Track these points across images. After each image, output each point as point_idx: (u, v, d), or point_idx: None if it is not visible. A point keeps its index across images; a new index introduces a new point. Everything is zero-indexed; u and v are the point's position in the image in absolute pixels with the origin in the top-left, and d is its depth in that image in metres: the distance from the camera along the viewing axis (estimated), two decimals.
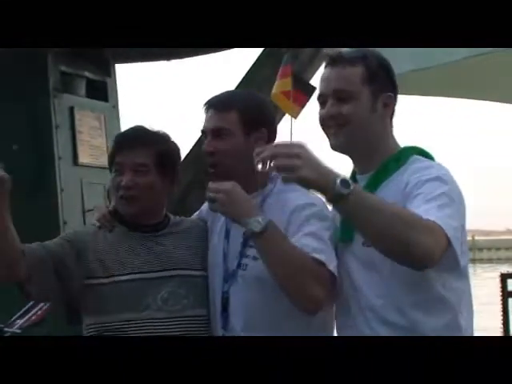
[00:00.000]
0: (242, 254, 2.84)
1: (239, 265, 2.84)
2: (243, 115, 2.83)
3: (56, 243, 3.04)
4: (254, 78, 7.64)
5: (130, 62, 8.72)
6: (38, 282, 2.92)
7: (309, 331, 2.77)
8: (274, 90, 5.83)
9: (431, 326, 2.50)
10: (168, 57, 8.62)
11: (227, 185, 2.68)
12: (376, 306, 2.56)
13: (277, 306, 2.76)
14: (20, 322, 6.12)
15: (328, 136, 2.66)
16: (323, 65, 2.72)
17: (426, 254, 2.32)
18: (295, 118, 5.87)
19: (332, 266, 2.67)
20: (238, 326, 2.83)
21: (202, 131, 2.91)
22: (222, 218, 2.96)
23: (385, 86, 2.64)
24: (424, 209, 2.38)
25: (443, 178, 2.49)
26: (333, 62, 2.65)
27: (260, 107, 2.93)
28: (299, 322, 2.75)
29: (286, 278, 2.65)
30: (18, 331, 6.17)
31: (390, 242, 2.31)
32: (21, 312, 6.01)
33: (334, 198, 2.32)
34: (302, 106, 5.78)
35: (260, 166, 2.37)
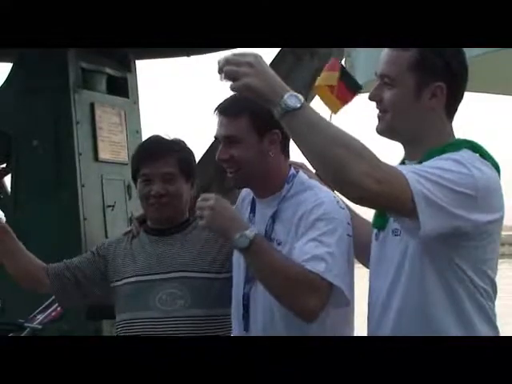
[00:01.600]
0: None
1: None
2: (254, 120, 2.79)
3: (82, 258, 3.36)
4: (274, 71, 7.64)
5: (151, 58, 8.73)
6: (61, 296, 3.37)
7: (327, 332, 2.76)
8: (318, 82, 5.74)
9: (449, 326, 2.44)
10: (188, 53, 8.65)
11: (211, 201, 2.68)
12: (397, 300, 2.48)
13: None
14: (40, 317, 6.14)
15: (377, 119, 2.58)
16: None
17: (358, 180, 2.18)
18: (335, 113, 5.79)
19: (331, 274, 2.64)
20: (258, 329, 2.82)
21: (215, 137, 2.90)
22: (246, 217, 2.95)
23: (438, 76, 2.48)
24: (405, 168, 2.31)
25: (461, 161, 2.35)
26: None
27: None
28: (318, 323, 2.72)
29: (277, 290, 2.64)
30: (39, 327, 6.20)
31: (325, 160, 2.21)
32: (41, 307, 6.03)
33: (281, 111, 2.23)
34: (345, 102, 5.68)
35: (221, 77, 2.27)
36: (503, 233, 2.69)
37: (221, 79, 2.28)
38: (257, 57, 2.29)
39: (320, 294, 2.64)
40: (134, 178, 3.23)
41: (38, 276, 3.27)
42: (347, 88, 5.41)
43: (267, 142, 2.81)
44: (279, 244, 2.78)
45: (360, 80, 4.25)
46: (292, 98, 2.24)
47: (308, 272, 2.63)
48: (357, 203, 2.31)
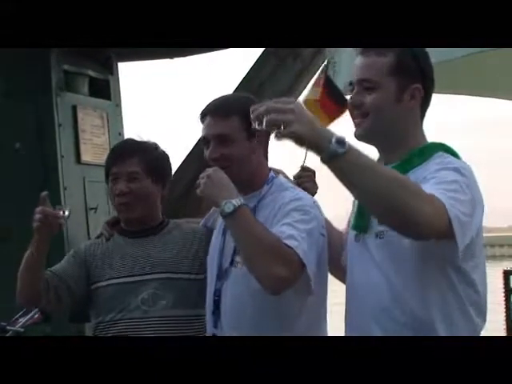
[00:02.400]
0: (236, 251, 2.83)
1: (232, 262, 2.85)
2: (244, 120, 2.80)
3: (65, 264, 3.36)
4: (255, 76, 7.63)
5: (133, 60, 8.72)
6: (57, 307, 3.39)
7: (294, 332, 2.79)
8: (305, 96, 5.75)
9: (439, 322, 2.46)
10: (171, 55, 8.65)
11: (209, 171, 2.75)
12: (384, 301, 2.52)
13: (264, 305, 2.77)
14: (23, 320, 6.10)
15: (354, 125, 2.61)
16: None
17: (425, 222, 2.22)
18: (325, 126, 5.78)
19: (301, 251, 2.70)
20: (228, 325, 2.84)
21: (204, 137, 2.91)
22: None
23: (414, 78, 2.56)
24: (431, 188, 2.33)
25: (461, 171, 2.42)
26: (363, 51, 2.60)
27: None
28: (286, 321, 2.76)
29: (253, 257, 2.68)
30: (21, 330, 6.17)
31: (387, 205, 2.22)
32: (23, 310, 6.01)
33: (329, 156, 2.22)
34: (333, 117, 5.65)
35: (256, 124, 2.29)
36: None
37: (256, 126, 2.28)
38: (297, 103, 2.31)
39: (292, 267, 2.69)
40: (107, 178, 3.30)
41: (40, 292, 3.24)
42: (332, 102, 5.40)
43: (255, 141, 2.87)
44: None
45: (342, 85, 4.25)
46: (339, 142, 2.23)
47: (284, 244, 2.69)
48: (417, 239, 2.33)
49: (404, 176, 2.33)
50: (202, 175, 2.77)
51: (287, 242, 2.70)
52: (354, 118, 2.60)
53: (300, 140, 2.25)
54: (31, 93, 7.40)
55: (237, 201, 2.68)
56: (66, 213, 3.15)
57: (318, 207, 2.87)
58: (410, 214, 2.20)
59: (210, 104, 2.90)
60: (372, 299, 2.52)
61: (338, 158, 2.20)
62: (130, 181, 3.16)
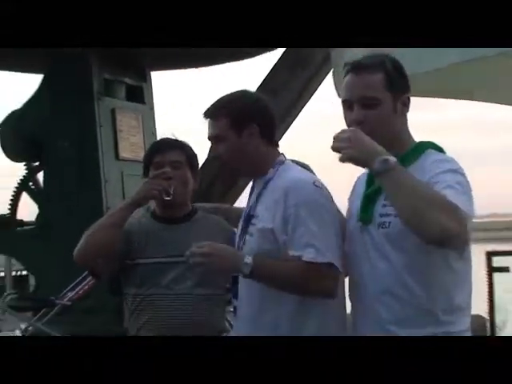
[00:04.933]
0: (245, 231, 2.75)
1: (241, 240, 2.76)
2: (231, 118, 2.74)
3: None
4: (270, 84, 7.62)
5: (164, 69, 8.74)
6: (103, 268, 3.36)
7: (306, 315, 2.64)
8: None
9: (433, 301, 2.43)
10: (197, 65, 8.70)
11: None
12: (387, 282, 2.47)
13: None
14: (70, 294, 6.15)
15: None
16: (345, 72, 2.60)
17: (444, 233, 2.28)
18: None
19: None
20: (242, 298, 2.75)
21: (208, 138, 2.88)
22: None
23: (402, 87, 2.55)
24: (443, 193, 2.34)
25: (459, 171, 2.43)
26: (355, 70, 2.54)
27: (246, 105, 2.80)
28: (291, 302, 2.63)
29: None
30: (68, 303, 6.21)
31: (414, 218, 2.31)
32: (70, 286, 6.05)
33: (375, 173, 2.35)
34: None
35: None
36: None
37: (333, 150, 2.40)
38: (355, 131, 2.38)
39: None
40: (147, 169, 3.25)
41: (101, 252, 3.15)
42: None
43: (246, 136, 2.75)
44: (255, 217, 2.71)
45: None
46: (382, 163, 2.32)
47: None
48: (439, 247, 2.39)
49: (434, 192, 2.34)
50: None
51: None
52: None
53: (354, 162, 2.38)
54: (76, 98, 7.45)
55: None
56: (171, 193, 3.17)
57: (316, 184, 2.68)
58: (432, 228, 2.28)
59: (207, 107, 2.85)
60: (376, 283, 2.49)
61: (380, 174, 2.33)
62: (174, 168, 3.18)
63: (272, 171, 2.74)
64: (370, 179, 2.54)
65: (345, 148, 2.36)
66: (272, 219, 2.63)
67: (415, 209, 2.29)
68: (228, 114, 2.75)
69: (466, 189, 2.39)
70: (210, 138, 2.81)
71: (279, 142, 2.85)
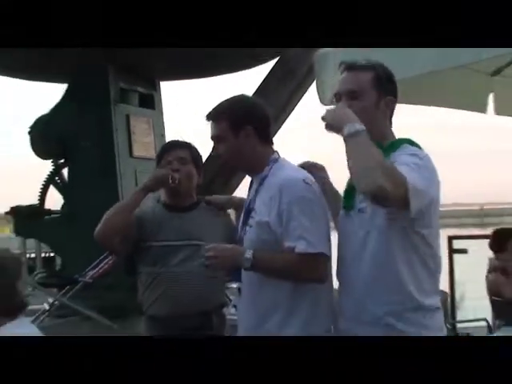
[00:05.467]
0: (245, 223, 2.72)
1: (243, 231, 2.73)
2: (230, 121, 2.70)
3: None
4: (262, 92, 7.57)
5: (172, 79, 8.73)
6: (121, 246, 3.25)
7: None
8: None
9: (404, 277, 2.41)
10: (202, 76, 8.68)
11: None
12: (367, 261, 2.45)
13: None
14: (91, 273, 6.14)
15: None
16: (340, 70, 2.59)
17: (379, 190, 2.25)
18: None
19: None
20: (244, 282, 2.69)
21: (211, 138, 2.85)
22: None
23: (388, 91, 2.53)
24: (398, 168, 2.31)
25: (420, 156, 2.39)
26: (349, 68, 2.54)
27: (244, 109, 2.74)
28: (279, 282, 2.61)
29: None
30: (90, 280, 6.21)
31: (361, 175, 2.31)
32: (91, 266, 6.05)
33: (344, 138, 2.35)
34: None
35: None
36: None
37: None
38: (339, 106, 2.45)
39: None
40: (159, 164, 3.31)
41: (119, 231, 3.17)
42: None
43: (242, 137, 2.70)
44: (254, 211, 2.67)
45: (328, 92, 4.14)
46: (351, 127, 2.33)
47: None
48: (384, 204, 2.34)
49: (387, 161, 2.33)
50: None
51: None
52: None
53: (331, 129, 2.41)
54: (95, 105, 7.43)
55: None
56: (177, 181, 3.20)
57: (306, 182, 2.64)
58: (373, 188, 2.26)
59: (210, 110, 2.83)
60: (355, 263, 2.48)
61: (347, 139, 2.33)
62: (181, 163, 3.24)
63: (267, 169, 2.70)
64: None
65: (327, 118, 2.41)
66: (268, 213, 2.60)
67: (364, 168, 2.27)
68: (227, 116, 2.71)
69: (421, 170, 2.34)
70: (212, 138, 2.78)
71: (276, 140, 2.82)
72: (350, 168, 2.35)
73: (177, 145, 3.34)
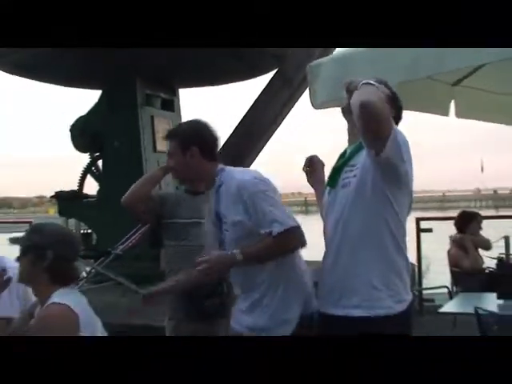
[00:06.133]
0: (221, 230, 2.62)
1: (222, 235, 2.61)
2: (180, 141, 2.68)
3: (154, 196, 3.29)
4: (263, 100, 7.53)
5: (189, 87, 8.73)
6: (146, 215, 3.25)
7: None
8: None
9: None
10: (214, 83, 8.66)
11: None
12: (352, 233, 2.31)
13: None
14: (121, 246, 6.15)
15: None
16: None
17: (374, 110, 2.08)
18: None
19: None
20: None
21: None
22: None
23: (394, 107, 2.33)
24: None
25: (402, 135, 2.21)
26: (366, 83, 2.26)
27: (193, 132, 2.68)
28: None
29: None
30: (120, 253, 6.22)
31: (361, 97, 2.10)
32: (122, 240, 6.05)
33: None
34: None
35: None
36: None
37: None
38: (352, 81, 2.27)
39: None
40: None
41: (145, 199, 3.18)
42: None
43: (188, 156, 2.66)
44: (223, 216, 2.57)
45: (319, 99, 4.08)
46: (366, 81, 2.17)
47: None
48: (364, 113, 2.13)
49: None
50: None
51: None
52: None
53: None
54: (125, 108, 7.43)
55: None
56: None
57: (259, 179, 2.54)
58: (373, 100, 2.09)
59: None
60: (336, 236, 2.36)
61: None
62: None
63: (217, 179, 2.60)
64: (341, 156, 2.43)
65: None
66: (236, 213, 2.50)
67: (367, 93, 2.12)
68: (180, 136, 2.69)
69: (396, 132, 2.18)
70: (167, 153, 2.80)
71: (274, 137, 2.75)
72: (354, 102, 2.15)
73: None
